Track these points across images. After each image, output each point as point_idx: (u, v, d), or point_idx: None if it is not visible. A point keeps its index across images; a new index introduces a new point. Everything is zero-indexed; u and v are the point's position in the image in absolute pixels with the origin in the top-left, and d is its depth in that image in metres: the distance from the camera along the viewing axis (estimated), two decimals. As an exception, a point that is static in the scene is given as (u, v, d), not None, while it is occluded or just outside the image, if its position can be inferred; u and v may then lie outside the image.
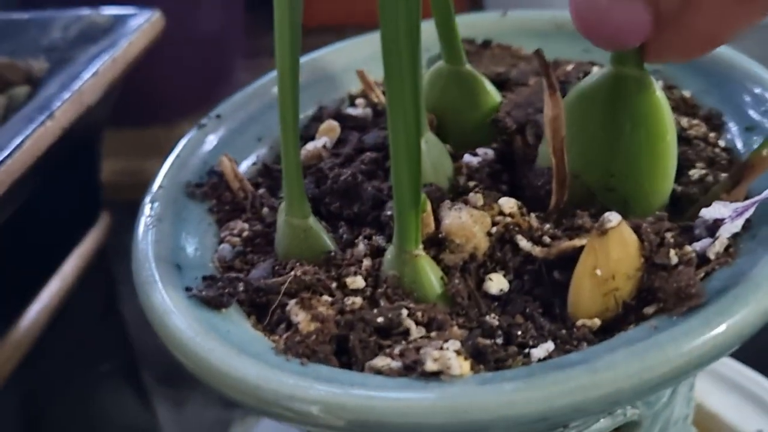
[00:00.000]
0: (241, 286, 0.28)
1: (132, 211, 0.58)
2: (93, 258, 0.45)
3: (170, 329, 0.26)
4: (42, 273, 0.42)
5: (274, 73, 0.37)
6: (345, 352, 0.26)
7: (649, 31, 0.25)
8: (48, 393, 0.45)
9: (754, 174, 0.28)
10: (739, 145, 0.31)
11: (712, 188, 0.29)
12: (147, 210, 0.31)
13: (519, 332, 0.25)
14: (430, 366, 0.23)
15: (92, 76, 0.39)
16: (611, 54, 0.28)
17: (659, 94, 0.27)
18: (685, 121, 0.32)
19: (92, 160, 0.45)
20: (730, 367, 0.46)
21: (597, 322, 0.25)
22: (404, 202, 0.26)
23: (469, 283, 0.27)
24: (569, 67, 0.36)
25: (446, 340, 0.24)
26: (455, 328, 0.25)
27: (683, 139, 0.31)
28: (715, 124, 0.32)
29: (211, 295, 0.27)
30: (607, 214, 0.25)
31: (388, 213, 0.29)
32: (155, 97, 0.66)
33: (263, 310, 0.27)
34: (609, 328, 0.25)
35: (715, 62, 0.33)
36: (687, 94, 0.34)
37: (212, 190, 0.32)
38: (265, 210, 0.32)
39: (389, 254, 0.27)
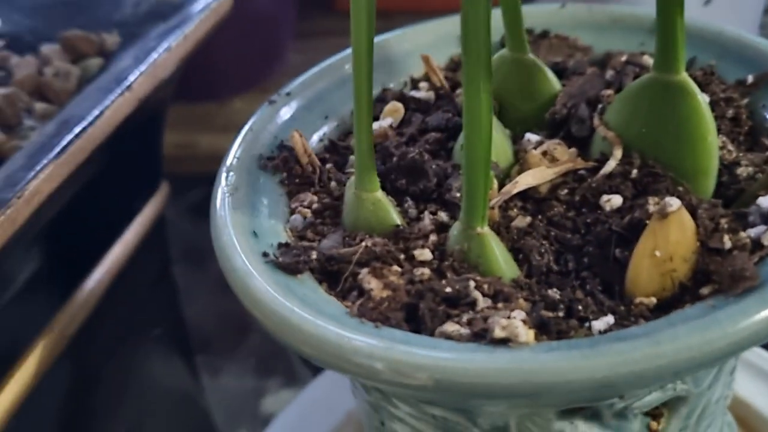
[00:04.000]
0: (314, 254, 0.29)
1: (183, 184, 0.60)
2: (152, 226, 0.47)
3: (251, 291, 0.27)
4: (107, 238, 0.44)
5: (341, 54, 0.39)
6: (413, 319, 0.27)
7: None
8: (105, 354, 0.47)
9: None
10: (792, 140, 0.32)
11: (751, 186, 0.30)
12: (223, 180, 0.32)
13: (580, 307, 0.27)
14: (499, 333, 0.25)
15: (165, 51, 0.40)
16: (654, 60, 0.29)
17: (700, 97, 0.29)
18: (731, 112, 0.33)
19: (158, 133, 0.46)
20: (763, 357, 0.48)
21: (654, 300, 0.27)
22: (475, 180, 0.27)
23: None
24: (623, 58, 0.37)
25: (513, 310, 0.26)
26: (521, 300, 0.27)
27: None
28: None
29: (287, 261, 0.29)
30: (668, 199, 0.27)
31: (456, 194, 0.30)
32: (210, 74, 0.68)
33: (334, 278, 0.29)
34: (664, 307, 0.27)
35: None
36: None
37: (283, 164, 0.34)
38: (333, 184, 0.33)
39: (455, 230, 0.29)
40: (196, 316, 0.66)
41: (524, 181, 0.30)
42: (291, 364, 0.67)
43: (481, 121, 0.26)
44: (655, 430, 0.30)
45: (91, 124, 0.36)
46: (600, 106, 0.33)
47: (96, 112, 0.36)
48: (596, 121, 0.32)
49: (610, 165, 0.30)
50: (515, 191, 0.30)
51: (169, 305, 0.53)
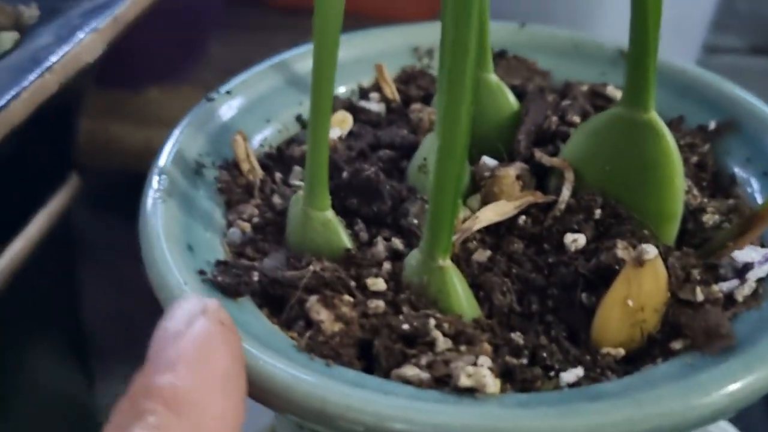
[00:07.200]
0: (256, 276, 0.27)
1: (94, 175, 0.56)
2: (59, 220, 0.43)
3: (187, 314, 0.24)
4: (7, 230, 0.40)
5: (286, 55, 0.36)
6: (365, 357, 0.25)
7: None
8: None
9: (762, 224, 0.28)
10: (757, 190, 0.31)
11: (718, 235, 0.29)
12: (155, 183, 0.29)
13: (544, 354, 0.25)
14: (464, 381, 0.23)
15: (92, 31, 0.37)
16: (622, 94, 0.28)
17: (669, 138, 0.27)
18: (695, 158, 0.32)
19: (72, 120, 0.42)
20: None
21: (621, 351, 0.25)
22: (443, 209, 0.25)
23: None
24: (584, 88, 0.36)
25: (478, 356, 0.24)
26: (485, 344, 0.24)
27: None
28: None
29: (227, 282, 0.26)
30: (644, 246, 0.25)
31: (414, 221, 0.28)
32: (125, 61, 0.64)
33: (276, 303, 0.26)
34: (632, 359, 0.25)
35: (736, 103, 0.33)
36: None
37: (221, 170, 0.31)
38: (276, 197, 0.31)
39: (413, 260, 0.26)
40: (93, 317, 0.63)
41: (485, 216, 0.28)
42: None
43: (456, 147, 0.24)
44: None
45: (4, 106, 0.32)
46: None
47: (11, 92, 0.32)
48: (537, 152, 0.30)
49: (566, 192, 0.28)
50: (476, 227, 0.28)
51: (70, 308, 0.48)
